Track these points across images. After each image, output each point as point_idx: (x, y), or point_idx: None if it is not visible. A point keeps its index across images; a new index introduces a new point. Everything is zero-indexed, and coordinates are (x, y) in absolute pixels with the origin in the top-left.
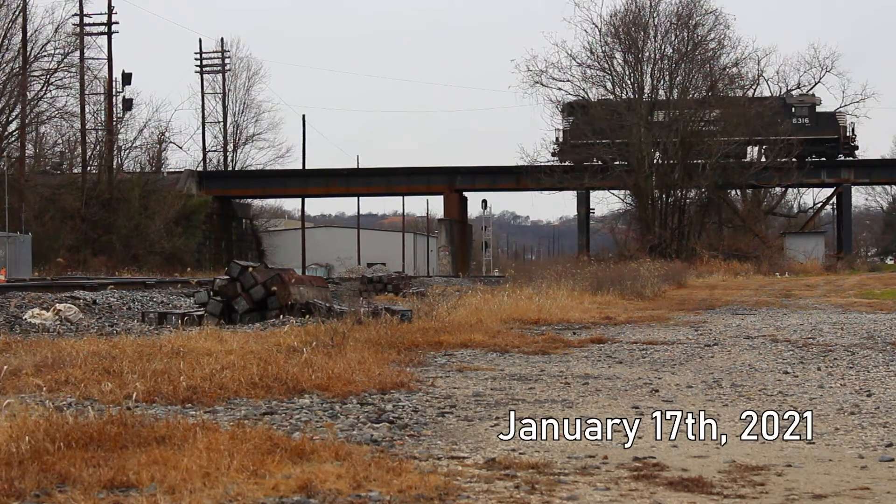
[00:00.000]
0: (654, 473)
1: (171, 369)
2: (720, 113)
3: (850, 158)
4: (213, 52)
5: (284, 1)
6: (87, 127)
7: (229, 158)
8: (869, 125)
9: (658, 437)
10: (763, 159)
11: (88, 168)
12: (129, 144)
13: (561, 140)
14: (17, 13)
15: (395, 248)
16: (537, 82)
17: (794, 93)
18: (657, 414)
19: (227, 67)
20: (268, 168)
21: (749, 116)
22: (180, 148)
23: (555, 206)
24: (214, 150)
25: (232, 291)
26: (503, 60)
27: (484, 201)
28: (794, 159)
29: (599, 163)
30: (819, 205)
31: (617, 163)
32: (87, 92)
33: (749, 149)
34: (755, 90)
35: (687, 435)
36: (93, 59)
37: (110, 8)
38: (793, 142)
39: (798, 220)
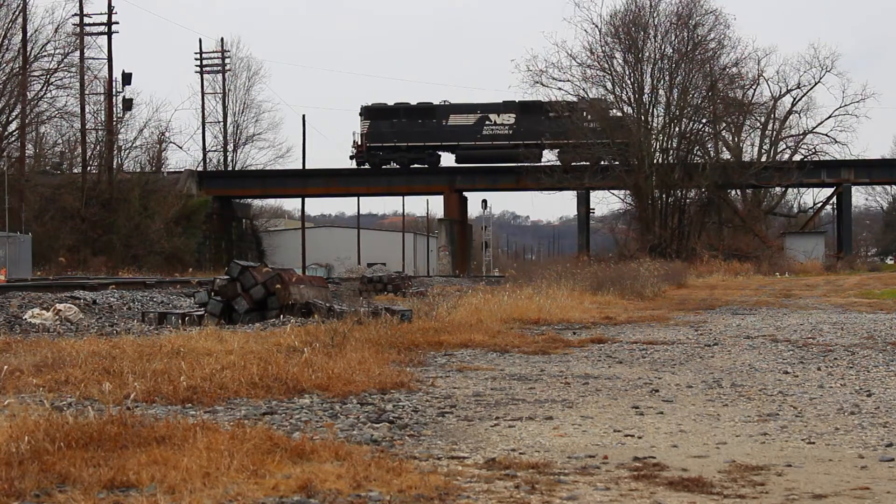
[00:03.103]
0: (654, 473)
1: (171, 369)
2: (517, 117)
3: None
4: (213, 52)
5: (284, 1)
6: (87, 127)
7: (229, 158)
8: (869, 125)
9: (658, 437)
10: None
11: (88, 168)
12: (129, 144)
13: (359, 143)
14: (17, 13)
15: (395, 248)
16: (537, 82)
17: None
18: (657, 414)
19: (227, 67)
20: (268, 168)
21: (542, 119)
22: (180, 148)
23: (555, 206)
24: (214, 150)
25: (232, 291)
26: (503, 60)
27: (484, 201)
28: (587, 163)
29: (396, 166)
30: (819, 205)
31: (416, 166)
32: (87, 92)
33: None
34: (755, 90)
35: (687, 435)
36: (93, 59)
37: (110, 8)
38: (589, 146)
39: (798, 220)
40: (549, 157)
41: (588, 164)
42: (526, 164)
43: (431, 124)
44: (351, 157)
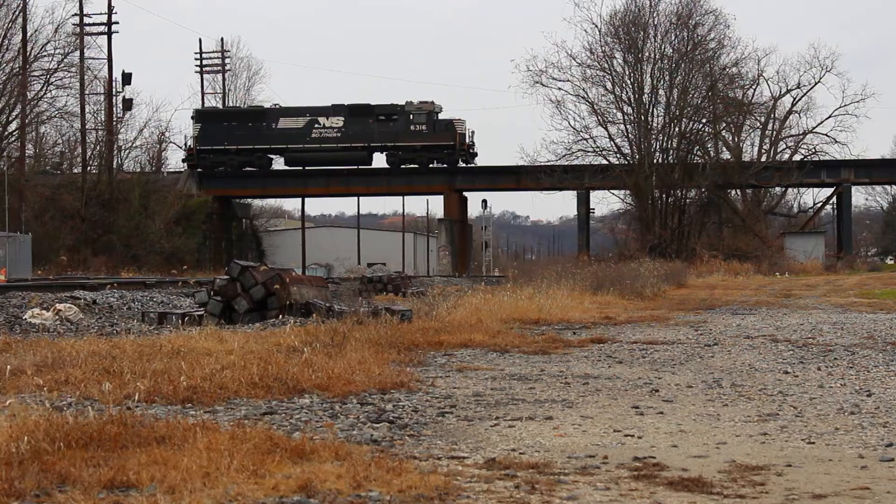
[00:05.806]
0: (654, 473)
1: (171, 369)
2: (345, 119)
3: (470, 165)
4: (213, 51)
5: (285, 1)
6: (87, 127)
7: None
8: (869, 125)
9: (658, 437)
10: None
11: (88, 168)
12: (129, 144)
13: (190, 146)
14: (17, 13)
15: (395, 248)
16: (537, 82)
17: (414, 101)
18: (657, 414)
19: (228, 67)
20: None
21: (369, 123)
22: (180, 148)
23: (555, 206)
24: None
25: (232, 291)
26: (503, 60)
27: (484, 201)
28: (416, 165)
29: (229, 168)
30: (819, 205)
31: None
32: (87, 92)
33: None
34: (755, 90)
35: (687, 435)
36: (93, 59)
37: (110, 8)
38: (415, 147)
39: (798, 220)
40: (380, 160)
41: (588, 164)
42: (526, 164)
43: (262, 127)
44: (183, 160)
